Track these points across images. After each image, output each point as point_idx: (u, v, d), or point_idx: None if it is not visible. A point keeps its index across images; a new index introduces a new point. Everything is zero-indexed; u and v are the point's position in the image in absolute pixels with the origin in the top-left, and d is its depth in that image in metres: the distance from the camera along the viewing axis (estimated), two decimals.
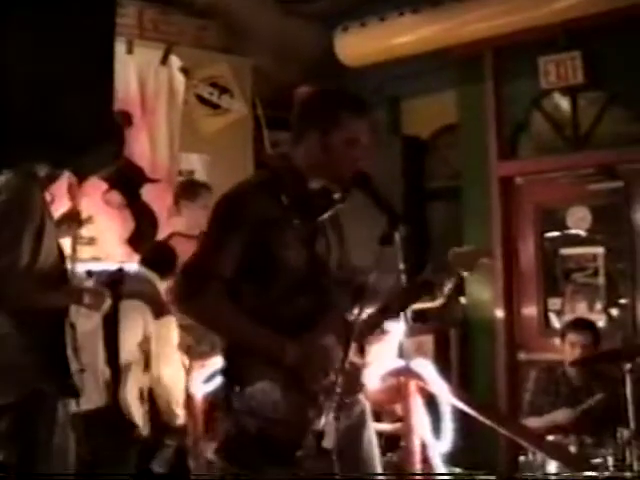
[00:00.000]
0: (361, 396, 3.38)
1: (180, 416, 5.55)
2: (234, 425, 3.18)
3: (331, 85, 3.56)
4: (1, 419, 3.88)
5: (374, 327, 3.35)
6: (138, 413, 5.43)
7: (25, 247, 3.81)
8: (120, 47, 6.65)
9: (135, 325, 5.49)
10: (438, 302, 3.46)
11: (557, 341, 6.19)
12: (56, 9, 2.17)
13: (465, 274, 3.39)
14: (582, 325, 6.01)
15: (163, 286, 5.57)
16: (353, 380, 3.25)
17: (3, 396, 3.87)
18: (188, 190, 6.40)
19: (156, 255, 5.82)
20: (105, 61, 2.36)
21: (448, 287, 3.37)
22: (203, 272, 3.15)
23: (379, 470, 3.41)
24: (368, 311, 3.23)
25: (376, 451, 3.42)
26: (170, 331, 5.55)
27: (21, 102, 2.23)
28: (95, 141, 2.31)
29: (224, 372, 3.26)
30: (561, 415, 5.63)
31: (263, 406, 3.09)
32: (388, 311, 3.35)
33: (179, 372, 5.58)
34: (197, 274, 3.16)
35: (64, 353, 3.95)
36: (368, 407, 3.42)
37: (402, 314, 3.35)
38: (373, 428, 3.44)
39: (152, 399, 5.51)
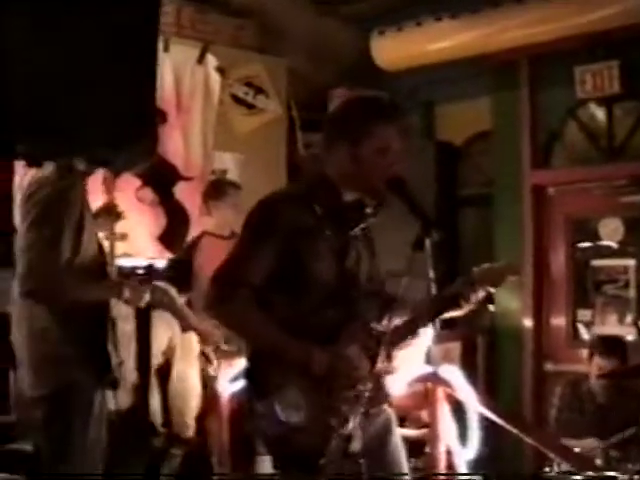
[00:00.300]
0: (386, 406, 3.38)
1: (191, 427, 5.60)
2: (255, 430, 3.19)
3: (366, 89, 3.55)
4: (37, 409, 3.91)
5: (403, 337, 3.34)
6: (159, 419, 5.49)
7: (66, 242, 3.83)
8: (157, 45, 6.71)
9: (163, 333, 5.55)
10: (463, 312, 3.44)
11: (584, 353, 6.14)
12: (100, 3, 2.18)
13: (492, 290, 3.38)
14: (610, 349, 5.89)
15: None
16: (379, 391, 3.24)
17: (40, 387, 3.90)
18: (216, 189, 6.41)
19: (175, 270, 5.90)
20: (148, 57, 2.36)
21: (475, 300, 3.36)
22: (234, 279, 3.15)
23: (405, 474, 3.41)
24: (397, 321, 3.22)
25: (403, 456, 3.42)
26: (192, 345, 5.61)
27: (60, 96, 2.23)
28: (133, 138, 2.31)
29: (248, 377, 3.26)
30: (589, 444, 5.55)
31: (286, 413, 3.09)
32: (417, 322, 3.34)
33: (195, 385, 5.63)
34: (228, 281, 3.16)
35: (104, 347, 3.98)
36: (393, 415, 3.42)
37: (431, 322, 3.35)
38: (399, 434, 3.44)
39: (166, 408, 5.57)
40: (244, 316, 3.17)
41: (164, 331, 5.60)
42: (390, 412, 3.41)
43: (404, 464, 3.44)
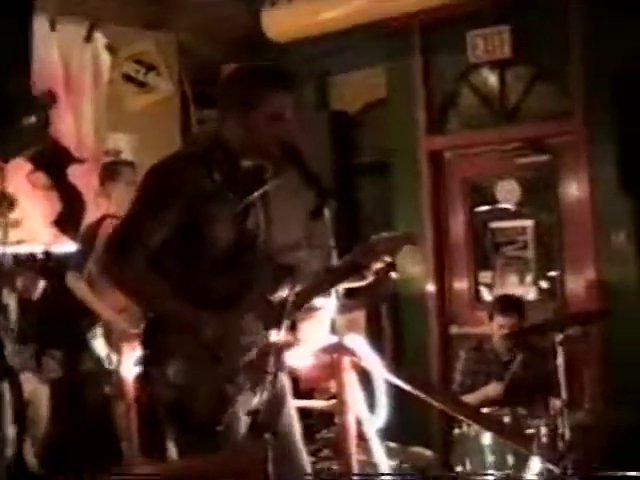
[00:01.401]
0: (282, 375, 3.36)
1: None
2: (152, 396, 3.16)
3: (257, 61, 3.52)
4: None
5: (301, 304, 3.33)
6: None
7: None
8: (43, 24, 6.54)
9: None
10: (365, 282, 3.44)
11: (486, 318, 6.24)
12: None
13: (389, 259, 3.38)
14: (508, 306, 6.02)
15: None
16: (276, 360, 3.22)
17: None
18: (111, 171, 6.29)
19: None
20: (21, 34, 2.27)
21: (374, 269, 3.36)
22: (128, 242, 3.11)
23: (300, 445, 3.41)
24: (296, 289, 3.20)
25: (297, 425, 3.42)
26: None
27: None
28: (15, 117, 2.22)
29: (143, 343, 3.22)
30: (491, 389, 5.68)
31: (181, 378, 3.06)
32: (317, 289, 3.33)
33: None
34: (122, 244, 3.12)
35: None
36: (287, 383, 3.41)
37: (331, 291, 3.34)
38: (292, 404, 3.44)
39: None
40: (138, 279, 3.13)
41: None
42: (285, 381, 3.40)
43: (297, 436, 3.43)
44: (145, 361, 3.20)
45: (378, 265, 3.38)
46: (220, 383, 3.09)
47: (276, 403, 3.30)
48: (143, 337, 3.23)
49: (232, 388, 3.07)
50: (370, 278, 3.43)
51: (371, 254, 3.37)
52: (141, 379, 3.23)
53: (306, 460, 3.51)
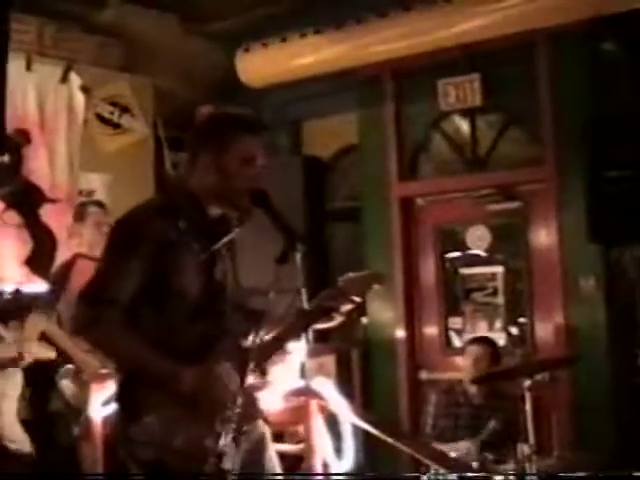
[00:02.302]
0: (260, 422, 3.36)
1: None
2: (129, 454, 3.13)
3: (231, 105, 3.56)
4: None
5: (273, 350, 3.34)
6: None
7: None
8: (19, 64, 6.58)
9: None
10: (334, 324, 3.45)
11: (459, 360, 6.27)
12: None
13: (357, 300, 3.40)
14: (483, 340, 6.12)
15: None
16: (251, 407, 3.22)
17: None
18: (80, 211, 6.29)
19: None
20: None
21: (343, 311, 3.38)
22: (99, 298, 3.08)
23: None
24: (266, 335, 3.21)
25: (278, 470, 3.41)
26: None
27: None
28: None
29: (119, 400, 3.20)
30: (463, 447, 5.67)
31: (159, 435, 3.04)
32: (286, 334, 3.34)
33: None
34: (93, 301, 3.09)
35: None
36: (267, 431, 3.40)
37: (302, 335, 3.35)
38: (273, 450, 3.43)
39: None
40: (111, 337, 3.10)
41: None
42: (264, 428, 3.39)
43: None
44: (121, 419, 3.18)
45: (347, 307, 3.39)
46: (199, 435, 3.07)
47: (257, 450, 3.30)
48: (118, 395, 3.21)
49: (210, 440, 3.06)
50: (338, 320, 3.45)
51: (340, 295, 3.38)
52: (118, 437, 3.20)
53: None
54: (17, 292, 6.10)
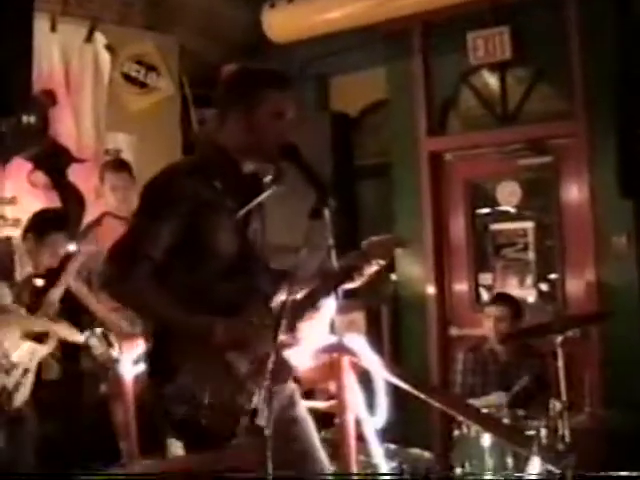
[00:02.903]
0: (289, 380, 3.36)
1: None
2: (162, 412, 3.13)
3: (257, 62, 3.53)
4: None
5: (303, 310, 3.32)
6: None
7: None
8: (43, 24, 6.55)
9: None
10: (357, 284, 3.44)
11: (483, 317, 6.25)
12: None
13: (381, 262, 3.39)
14: (501, 298, 6.09)
15: None
16: (283, 365, 3.21)
17: None
18: (109, 170, 6.27)
19: None
20: (22, 28, 2.26)
21: (367, 273, 3.37)
22: (131, 255, 3.08)
23: (318, 445, 3.41)
24: (295, 294, 3.20)
25: (312, 428, 3.41)
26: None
27: None
28: (13, 112, 2.21)
29: (151, 359, 3.20)
30: (493, 400, 5.66)
31: (192, 393, 3.04)
32: (314, 295, 3.33)
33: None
34: (125, 257, 3.10)
35: None
36: (297, 388, 3.40)
37: (329, 295, 3.33)
38: (304, 406, 3.43)
39: None
40: (143, 294, 3.11)
41: None
42: (293, 386, 3.39)
43: (313, 436, 3.43)
44: (153, 377, 3.18)
45: (371, 269, 3.38)
46: (232, 394, 3.07)
47: (286, 406, 3.30)
48: (149, 353, 3.21)
49: (243, 397, 3.06)
50: (360, 281, 3.44)
51: (363, 258, 3.37)
52: (150, 394, 3.19)
53: (326, 460, 3.51)
54: None
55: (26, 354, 5.39)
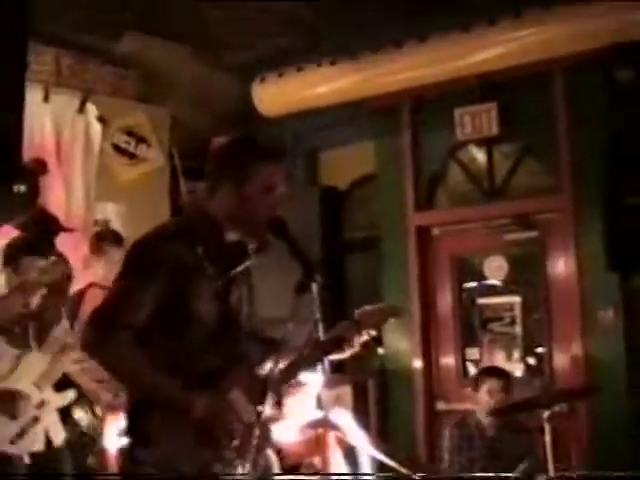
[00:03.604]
0: (269, 451, 3.34)
1: None
2: (134, 475, 3.10)
3: (248, 135, 3.52)
4: None
5: (287, 380, 3.31)
6: None
7: None
8: (37, 94, 6.61)
9: None
10: (346, 355, 3.43)
11: (471, 391, 6.21)
12: None
13: (373, 333, 3.38)
14: (498, 372, 6.06)
15: None
16: (264, 438, 3.18)
17: None
18: (94, 245, 6.27)
19: None
20: (14, 98, 2.29)
21: (359, 343, 3.36)
22: (111, 320, 3.04)
23: None
24: (281, 364, 3.18)
25: None
26: None
27: None
28: (3, 182, 2.23)
29: (129, 424, 3.17)
30: None
31: (170, 460, 3.01)
32: (301, 364, 3.31)
33: None
34: (105, 322, 3.05)
35: None
36: (275, 461, 3.38)
37: (316, 366, 3.32)
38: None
39: None
40: (122, 359, 3.06)
41: None
42: (272, 457, 3.37)
43: None
44: (131, 443, 3.15)
45: (362, 339, 3.37)
46: (208, 462, 3.04)
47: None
48: (128, 419, 3.18)
49: (220, 466, 3.03)
50: (351, 351, 3.42)
51: (355, 328, 3.36)
52: (127, 461, 3.16)
53: None
54: None
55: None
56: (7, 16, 2.11)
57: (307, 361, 3.31)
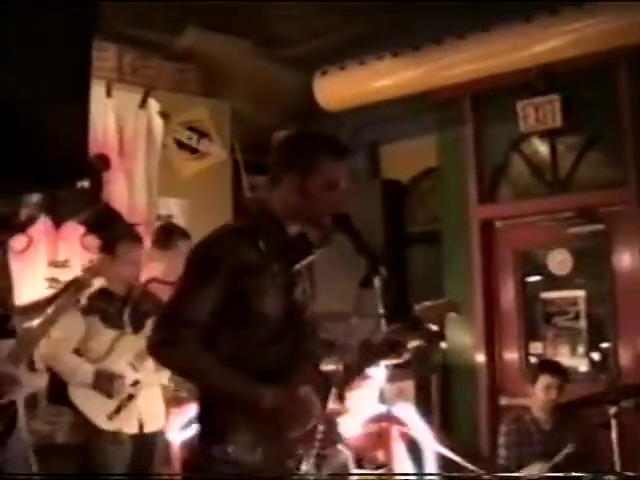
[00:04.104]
0: (341, 447, 3.33)
1: None
2: (213, 474, 3.11)
3: (310, 128, 3.53)
4: None
5: (352, 377, 3.30)
6: None
7: None
8: (99, 90, 6.67)
9: None
10: (402, 360, 3.42)
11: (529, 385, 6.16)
12: (32, 40, 2.11)
13: (434, 327, 3.36)
14: (554, 367, 6.00)
15: None
16: (331, 432, 3.18)
17: None
18: (164, 236, 6.31)
19: None
20: (80, 94, 2.29)
21: (414, 345, 3.34)
22: (177, 319, 3.07)
23: None
24: (346, 359, 3.18)
25: None
26: None
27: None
28: (68, 179, 2.24)
29: (200, 421, 3.19)
30: (535, 470, 5.57)
31: (242, 455, 3.02)
32: (364, 363, 3.30)
33: None
34: (171, 321, 3.09)
35: None
36: (350, 457, 3.37)
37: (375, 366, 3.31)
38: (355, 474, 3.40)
39: None
40: (191, 359, 3.10)
41: None
42: (347, 454, 3.36)
43: None
44: (204, 440, 3.17)
45: (415, 342, 3.37)
46: (281, 457, 3.05)
47: (339, 474, 3.27)
48: (199, 415, 3.20)
49: (291, 461, 3.04)
50: (406, 357, 3.41)
51: (416, 323, 3.35)
52: (201, 458, 3.17)
53: None
54: None
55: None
56: (74, 13, 2.12)
57: (366, 362, 3.30)
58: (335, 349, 3.09)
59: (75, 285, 5.10)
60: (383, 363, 3.30)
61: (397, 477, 4.62)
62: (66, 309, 5.04)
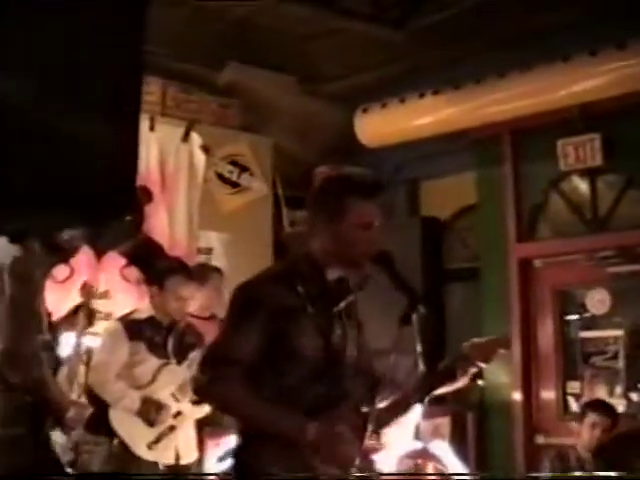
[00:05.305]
0: None
1: None
2: None
3: (350, 165, 3.57)
4: None
5: (395, 416, 3.31)
6: None
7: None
8: (143, 124, 6.74)
9: None
10: (455, 388, 3.41)
11: (574, 424, 6.12)
12: (85, 69, 2.14)
13: (483, 365, 3.35)
14: (603, 406, 5.97)
15: None
16: (368, 469, 3.20)
17: None
18: (199, 274, 6.38)
19: None
20: (130, 131, 2.33)
21: (467, 376, 3.33)
22: (221, 359, 3.15)
23: None
24: (387, 400, 3.20)
25: None
26: None
27: (36, 162, 2.17)
28: (115, 214, 2.28)
29: (238, 455, 3.22)
30: None
31: None
32: (409, 399, 3.31)
33: None
34: (215, 361, 3.17)
35: None
36: None
37: (425, 399, 3.31)
38: None
39: None
40: (233, 396, 3.16)
41: None
42: None
43: None
44: (240, 475, 3.20)
45: (470, 371, 3.35)
46: None
47: None
48: (238, 450, 3.24)
49: None
50: (459, 384, 3.40)
51: (465, 360, 3.34)
52: None
53: None
54: None
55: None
56: (126, 47, 2.17)
57: (416, 395, 3.30)
58: (386, 385, 3.11)
59: None
60: (432, 394, 3.28)
61: None
62: None
